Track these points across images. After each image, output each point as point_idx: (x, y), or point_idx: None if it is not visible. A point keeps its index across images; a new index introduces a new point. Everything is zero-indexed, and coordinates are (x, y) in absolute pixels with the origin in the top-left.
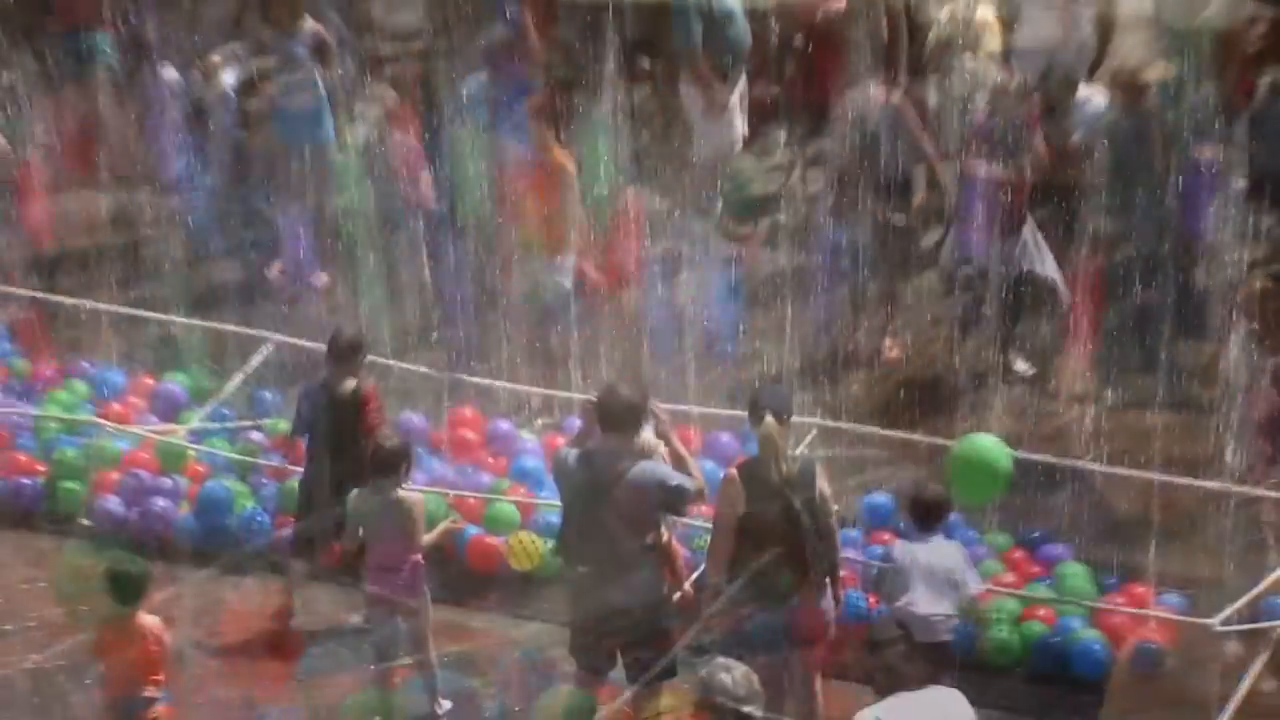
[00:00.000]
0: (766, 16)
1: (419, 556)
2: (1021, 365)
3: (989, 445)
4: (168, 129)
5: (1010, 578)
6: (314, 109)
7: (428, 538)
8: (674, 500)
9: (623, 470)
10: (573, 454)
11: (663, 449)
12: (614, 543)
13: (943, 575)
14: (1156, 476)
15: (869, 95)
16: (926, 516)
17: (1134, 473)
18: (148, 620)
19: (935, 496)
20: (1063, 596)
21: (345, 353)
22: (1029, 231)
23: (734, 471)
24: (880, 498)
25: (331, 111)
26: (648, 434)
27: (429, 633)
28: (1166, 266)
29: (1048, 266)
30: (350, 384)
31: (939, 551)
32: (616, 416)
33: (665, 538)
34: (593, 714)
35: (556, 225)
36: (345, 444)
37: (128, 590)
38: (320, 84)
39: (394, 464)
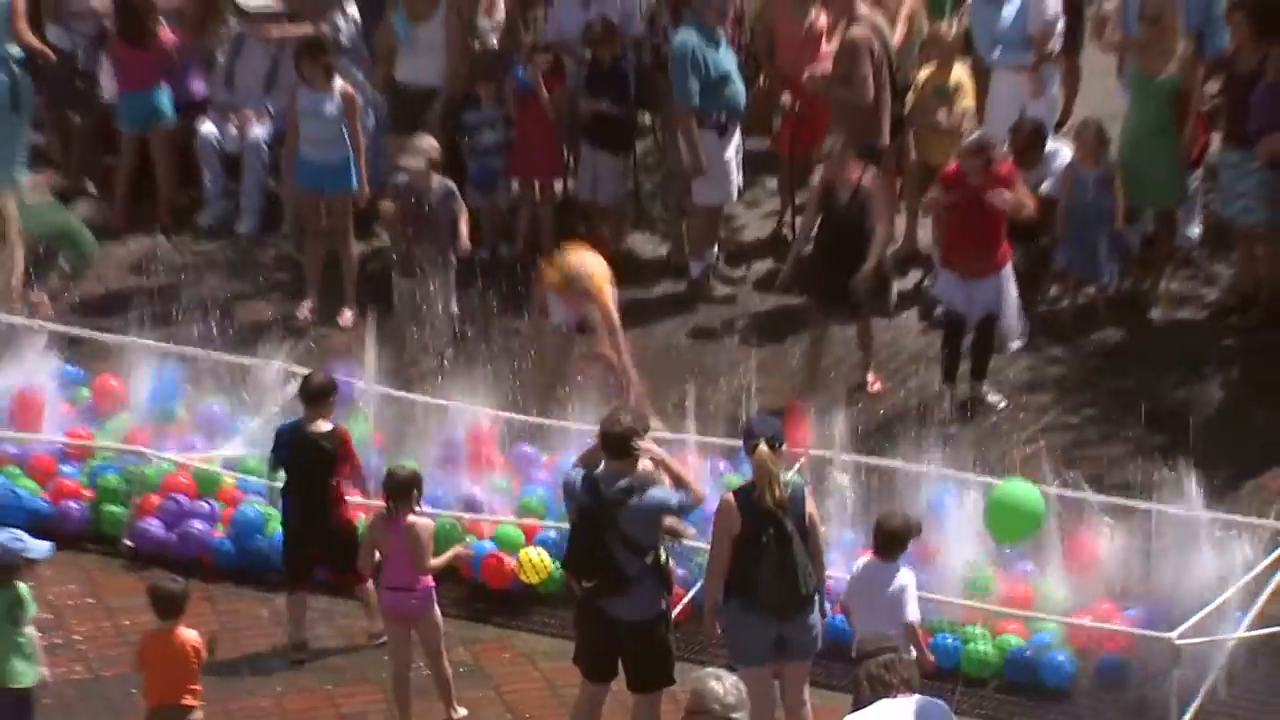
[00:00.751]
0: (760, 76)
1: (430, 577)
2: (993, 398)
3: (1024, 491)
4: (210, 178)
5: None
6: (341, 161)
7: (438, 561)
8: (679, 515)
9: (625, 498)
10: (579, 477)
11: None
12: (617, 560)
13: (886, 600)
14: (1119, 501)
15: (844, 172)
16: (887, 545)
17: (1098, 497)
18: (187, 634)
19: (896, 527)
20: (1036, 612)
21: (316, 395)
22: (1005, 275)
23: (730, 495)
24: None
25: (356, 163)
26: (647, 461)
27: (442, 646)
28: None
29: (1008, 308)
30: (323, 425)
31: (890, 577)
32: (617, 444)
33: (664, 558)
34: None
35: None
36: (319, 479)
37: (168, 606)
38: (347, 138)
39: (406, 490)
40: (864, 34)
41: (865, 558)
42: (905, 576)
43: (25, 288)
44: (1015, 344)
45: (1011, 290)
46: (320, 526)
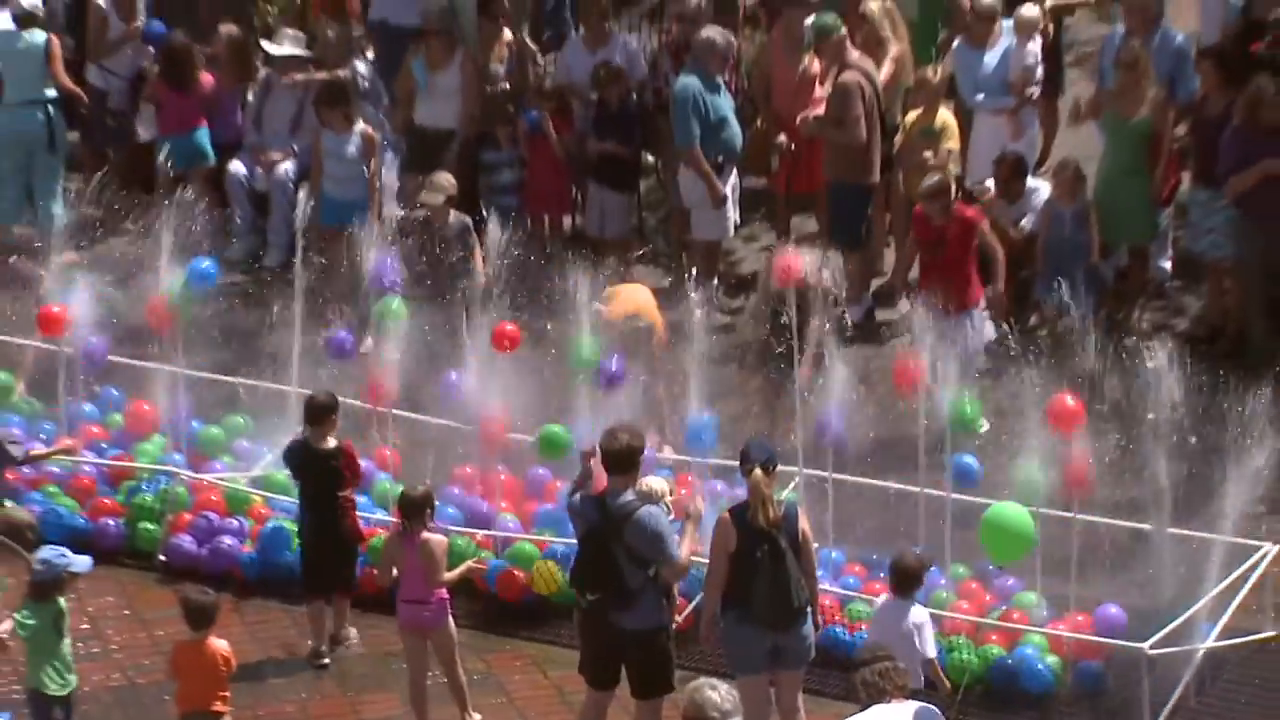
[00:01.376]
0: (757, 119)
1: (444, 590)
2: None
3: (1015, 513)
4: (239, 214)
5: (966, 605)
6: (360, 199)
7: (451, 575)
8: (656, 557)
9: (630, 511)
10: (583, 496)
11: (669, 496)
12: (622, 573)
13: (905, 636)
14: (1098, 519)
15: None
16: (902, 583)
17: (1076, 515)
18: (217, 644)
19: (910, 566)
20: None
21: (319, 414)
22: (978, 312)
23: (727, 514)
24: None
25: (371, 200)
26: (650, 479)
27: (456, 655)
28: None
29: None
30: (329, 442)
31: (905, 615)
32: (619, 460)
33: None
34: None
35: None
36: (326, 493)
37: (199, 617)
38: (363, 177)
39: (420, 508)
40: (855, 79)
41: (884, 596)
42: (919, 614)
43: None
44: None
45: (985, 330)
46: (331, 538)
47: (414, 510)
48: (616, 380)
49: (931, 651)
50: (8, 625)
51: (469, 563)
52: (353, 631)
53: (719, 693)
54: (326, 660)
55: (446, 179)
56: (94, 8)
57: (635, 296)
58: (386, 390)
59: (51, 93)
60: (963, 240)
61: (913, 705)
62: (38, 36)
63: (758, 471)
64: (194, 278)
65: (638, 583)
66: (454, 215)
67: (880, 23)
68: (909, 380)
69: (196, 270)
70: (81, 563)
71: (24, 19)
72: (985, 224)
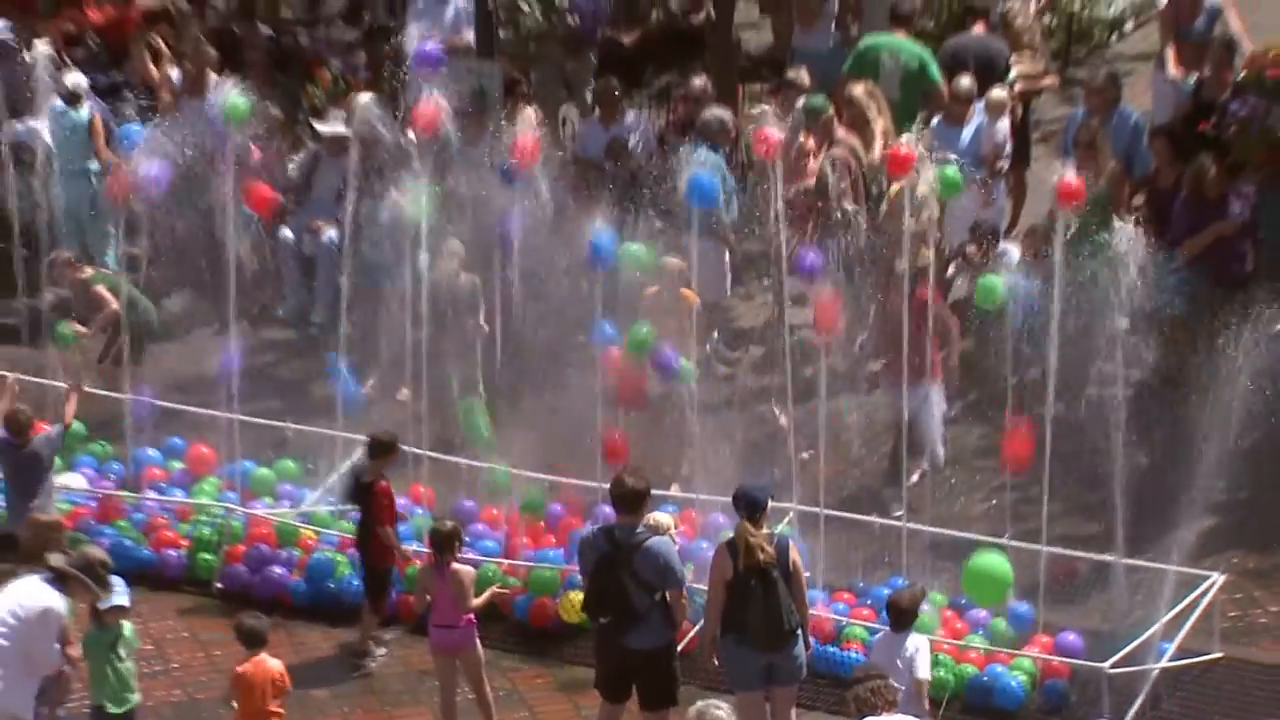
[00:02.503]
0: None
1: (471, 616)
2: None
3: (995, 561)
4: (288, 275)
5: (942, 632)
6: (393, 261)
7: (477, 601)
8: (664, 583)
9: (640, 541)
10: (595, 531)
11: (674, 529)
12: (630, 598)
13: (904, 665)
14: (1058, 550)
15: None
16: (898, 618)
17: (1039, 547)
18: (271, 663)
19: (905, 605)
20: (991, 645)
21: (373, 449)
22: (935, 389)
23: (724, 546)
24: None
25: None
26: (657, 514)
27: (484, 674)
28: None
29: (929, 421)
30: (375, 478)
31: (902, 646)
32: (627, 501)
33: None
34: None
35: None
36: (367, 525)
37: (253, 638)
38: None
39: (449, 542)
40: (842, 154)
41: (883, 631)
42: (915, 641)
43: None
44: (923, 466)
45: (937, 405)
46: (364, 564)
47: (444, 543)
48: (669, 367)
49: (925, 674)
50: (78, 649)
51: (493, 589)
52: (380, 650)
53: (723, 712)
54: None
55: (457, 245)
56: (165, 80)
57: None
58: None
59: (95, 165)
60: (919, 319)
61: (900, 718)
62: (83, 114)
63: (742, 524)
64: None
65: (645, 606)
66: (465, 275)
67: (865, 104)
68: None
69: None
70: (121, 594)
71: (71, 97)
72: (940, 301)
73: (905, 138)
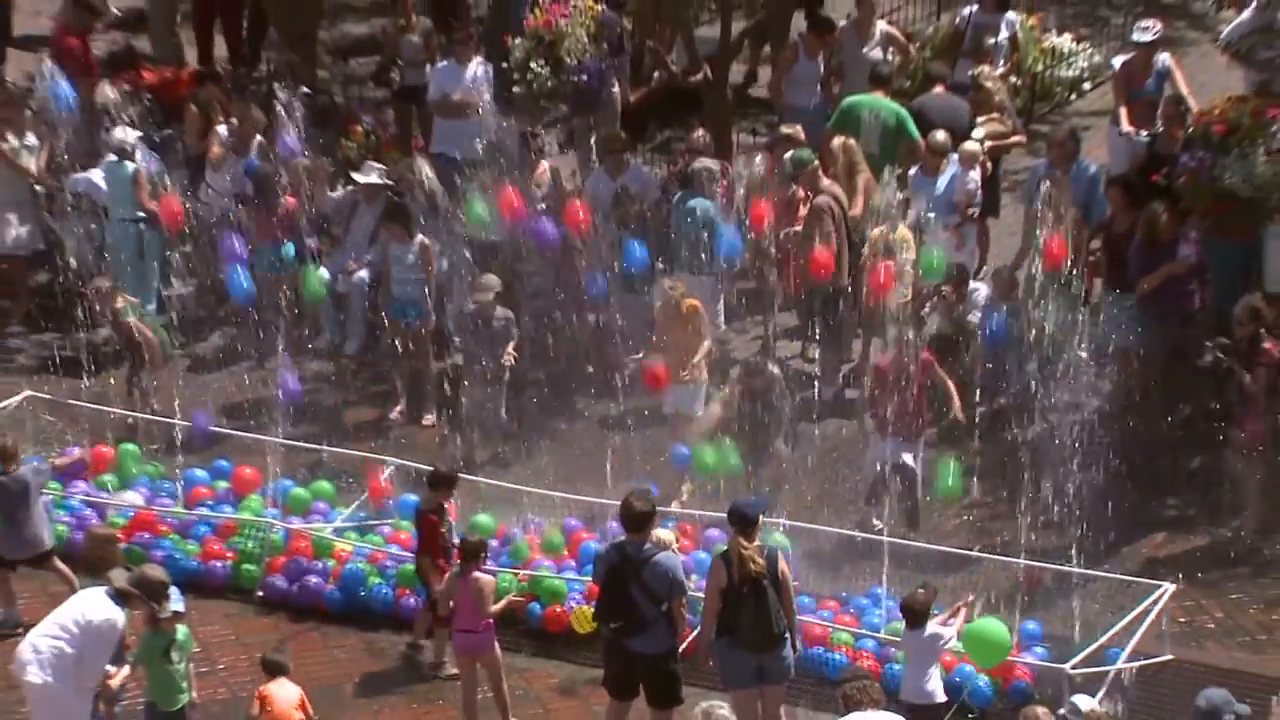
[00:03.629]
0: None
1: (490, 621)
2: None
3: (994, 627)
4: (323, 310)
5: None
6: (418, 298)
7: (496, 608)
8: (671, 594)
9: (647, 557)
10: (607, 547)
11: (675, 544)
12: (638, 608)
13: (928, 652)
14: (1023, 561)
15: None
16: (911, 617)
17: (1006, 559)
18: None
19: (917, 607)
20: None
21: (432, 481)
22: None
23: (719, 557)
24: None
25: (429, 298)
26: (659, 531)
27: (502, 674)
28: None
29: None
30: (426, 506)
31: (921, 639)
32: (634, 521)
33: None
34: None
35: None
36: (421, 546)
37: (274, 669)
38: (421, 280)
39: (474, 553)
40: (825, 201)
41: (904, 631)
42: (932, 629)
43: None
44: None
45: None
46: (422, 583)
47: (469, 555)
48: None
49: (950, 635)
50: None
51: (510, 597)
52: (429, 651)
53: (726, 711)
54: (439, 675)
55: (493, 279)
56: (216, 135)
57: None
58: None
59: (141, 213)
60: (918, 381)
61: (884, 714)
62: (129, 166)
63: (734, 538)
64: None
65: (652, 615)
66: (499, 309)
67: (839, 157)
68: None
69: None
70: (177, 601)
71: (120, 152)
72: (937, 363)
73: (885, 180)
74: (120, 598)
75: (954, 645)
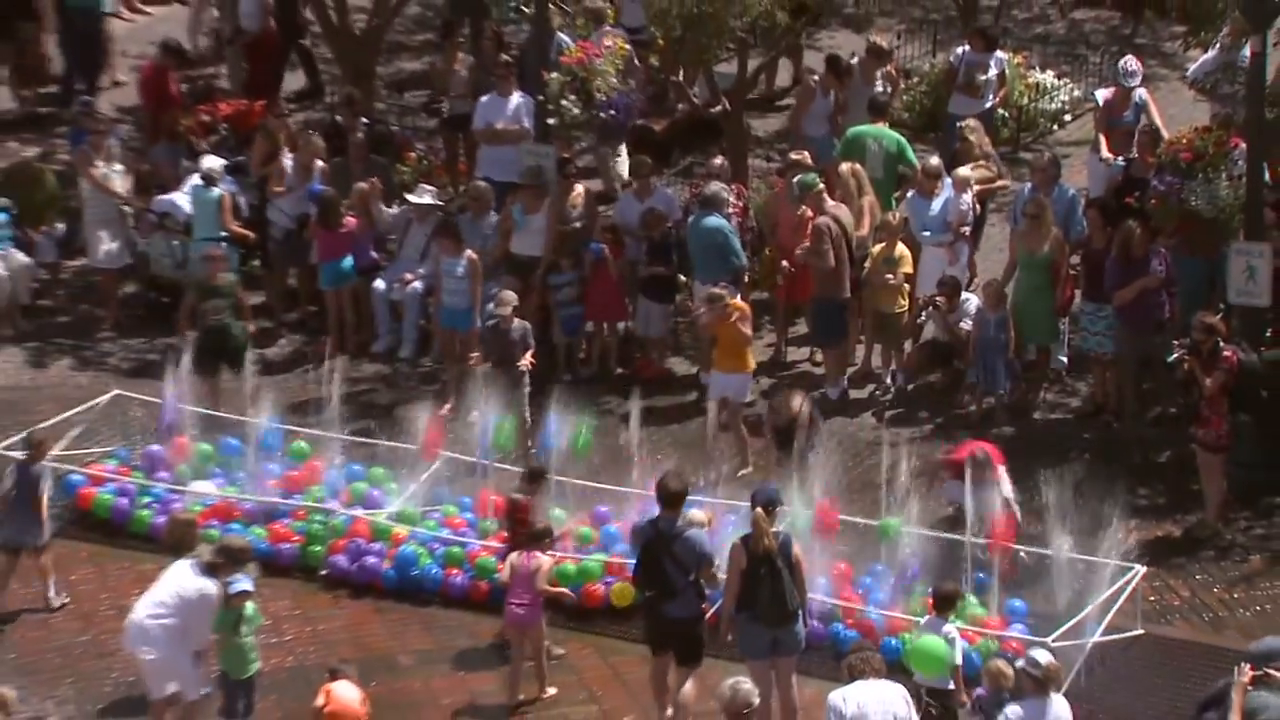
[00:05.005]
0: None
1: (539, 598)
2: None
3: (935, 642)
4: (380, 318)
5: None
6: (466, 307)
7: (548, 589)
8: (699, 566)
9: (679, 532)
10: (643, 522)
11: (707, 522)
12: (669, 576)
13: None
14: (1011, 546)
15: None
16: (941, 604)
17: (1000, 543)
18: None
19: (949, 592)
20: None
21: (526, 475)
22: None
23: (739, 541)
24: None
25: (474, 308)
26: (693, 511)
27: (544, 645)
28: (1017, 410)
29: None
30: (518, 496)
31: (939, 630)
32: (669, 498)
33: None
34: None
35: None
36: (512, 533)
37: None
38: (469, 291)
39: (537, 539)
40: (824, 221)
41: (927, 615)
42: (951, 631)
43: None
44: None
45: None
46: None
47: (532, 539)
48: None
49: (958, 660)
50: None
51: (562, 589)
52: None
53: (749, 685)
54: (558, 652)
55: (510, 295)
56: (279, 167)
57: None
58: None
59: (224, 233)
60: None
61: (886, 682)
62: (215, 192)
63: (759, 511)
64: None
65: (681, 584)
66: (517, 321)
67: (849, 181)
68: None
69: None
70: (246, 581)
71: (207, 178)
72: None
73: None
74: (210, 569)
75: (957, 662)
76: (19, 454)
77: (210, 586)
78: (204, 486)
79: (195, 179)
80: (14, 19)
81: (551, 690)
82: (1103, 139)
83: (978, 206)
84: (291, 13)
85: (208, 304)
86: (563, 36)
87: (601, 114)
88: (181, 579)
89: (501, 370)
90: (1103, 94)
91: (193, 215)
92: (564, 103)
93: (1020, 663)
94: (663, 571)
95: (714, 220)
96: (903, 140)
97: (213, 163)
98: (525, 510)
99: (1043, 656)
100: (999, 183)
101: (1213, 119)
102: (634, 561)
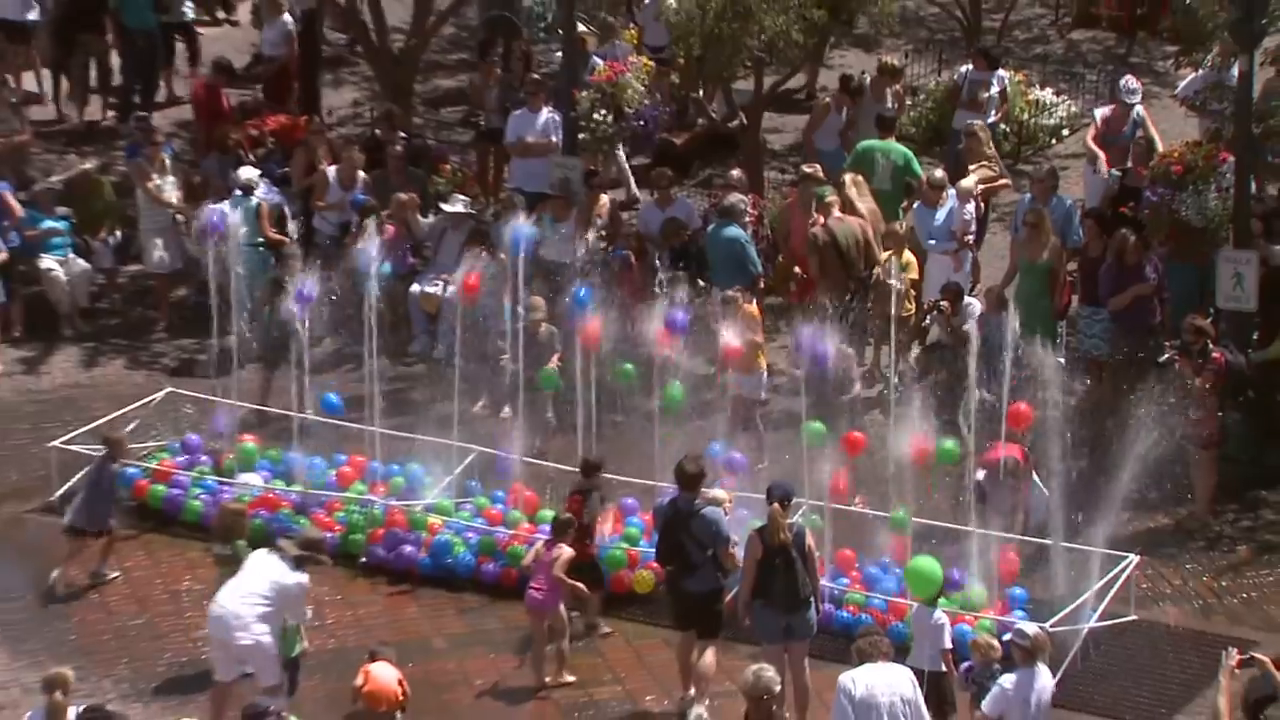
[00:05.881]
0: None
1: (559, 585)
2: None
3: (927, 562)
4: (416, 321)
5: None
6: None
7: (567, 581)
8: (715, 543)
9: (696, 511)
10: (664, 502)
11: (728, 502)
12: (688, 553)
13: (931, 633)
14: (1012, 536)
15: None
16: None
17: (990, 533)
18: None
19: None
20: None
21: (584, 469)
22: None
23: (755, 532)
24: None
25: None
26: (714, 490)
27: (567, 632)
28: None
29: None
30: (576, 489)
31: (929, 618)
32: (686, 480)
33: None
34: None
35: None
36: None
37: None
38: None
39: (562, 529)
40: (816, 231)
41: (916, 604)
42: (940, 617)
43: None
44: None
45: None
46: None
47: (559, 529)
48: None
49: (948, 644)
50: None
51: (579, 586)
52: (600, 623)
53: (772, 672)
54: (605, 630)
55: (539, 300)
56: (321, 177)
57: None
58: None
59: (261, 239)
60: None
61: (894, 665)
62: (252, 201)
63: (775, 506)
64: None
65: (699, 559)
66: (545, 326)
67: (850, 189)
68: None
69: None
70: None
71: (244, 188)
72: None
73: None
74: (298, 563)
75: (946, 645)
76: (79, 448)
77: (304, 579)
78: (251, 479)
79: (236, 190)
80: (79, 34)
81: (570, 677)
82: (1100, 153)
83: (982, 204)
84: (312, 40)
85: (270, 300)
86: (595, 58)
87: (631, 125)
88: (274, 572)
89: (531, 372)
90: (1101, 112)
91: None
92: (596, 117)
93: (1008, 635)
94: (681, 548)
95: (733, 230)
96: (909, 153)
97: (249, 173)
98: (575, 505)
99: (1029, 628)
100: (1001, 181)
101: (1203, 134)
102: (656, 539)
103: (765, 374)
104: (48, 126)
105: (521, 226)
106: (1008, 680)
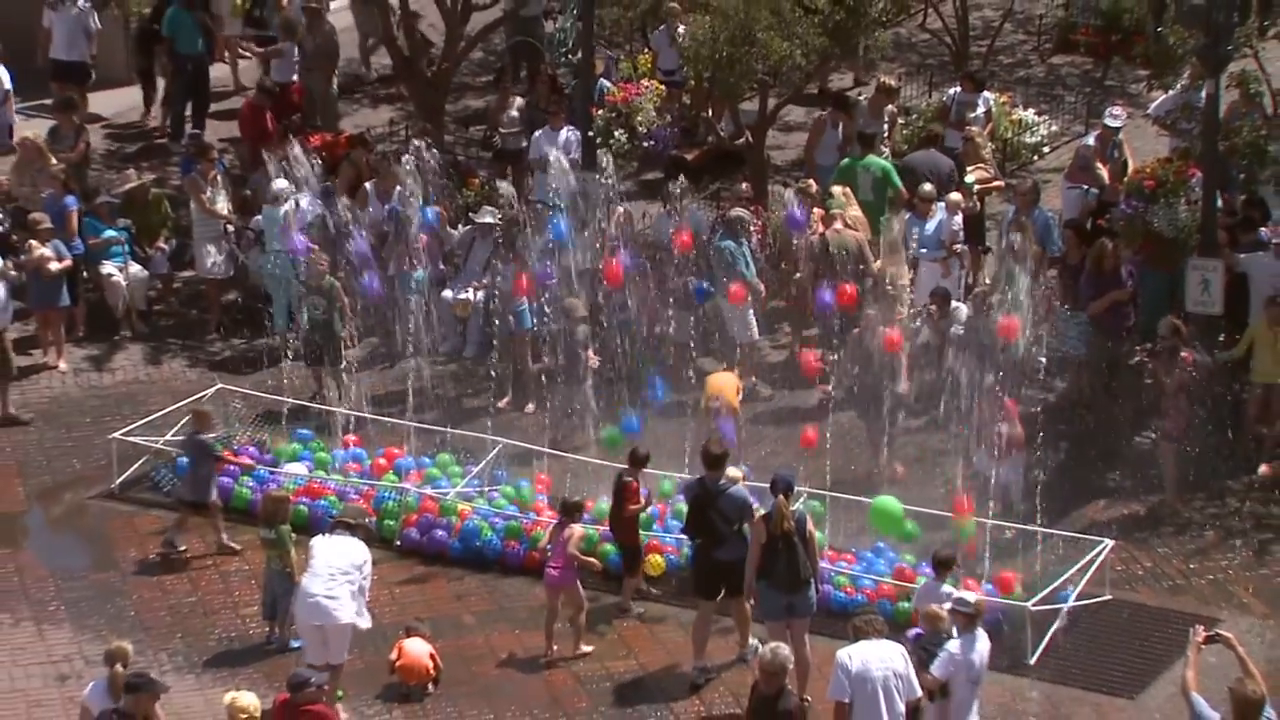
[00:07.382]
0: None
1: (574, 564)
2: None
3: (890, 502)
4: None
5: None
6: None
7: (580, 558)
8: (741, 518)
9: (722, 489)
10: (693, 480)
11: (743, 478)
12: (716, 526)
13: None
14: (998, 522)
15: None
16: (939, 568)
17: (981, 519)
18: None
19: (947, 557)
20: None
21: (631, 459)
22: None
23: (761, 519)
24: None
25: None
26: (732, 469)
27: (582, 607)
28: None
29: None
30: (627, 478)
31: (937, 591)
32: (711, 461)
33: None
34: None
35: None
36: (617, 512)
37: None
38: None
39: (572, 511)
40: (809, 237)
41: (924, 578)
42: (948, 590)
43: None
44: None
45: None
46: (617, 541)
47: (568, 510)
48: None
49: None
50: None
51: (592, 561)
52: (635, 608)
53: (787, 651)
54: (638, 611)
55: (576, 302)
56: (362, 192)
57: (720, 381)
58: None
59: (283, 245)
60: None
61: (887, 642)
62: (281, 211)
63: (779, 497)
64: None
65: (726, 532)
66: (582, 326)
67: (840, 199)
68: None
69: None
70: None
71: (274, 198)
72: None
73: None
74: (354, 533)
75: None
76: (137, 439)
77: (368, 553)
78: (296, 469)
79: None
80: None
81: (587, 648)
82: (1103, 169)
83: (977, 204)
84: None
85: (310, 301)
86: (604, 82)
87: (644, 144)
88: (353, 551)
89: (567, 367)
90: (1093, 137)
91: (265, 229)
92: (614, 136)
93: (949, 605)
94: (710, 523)
95: (726, 242)
96: (888, 166)
97: (280, 184)
98: (632, 491)
99: (970, 596)
100: (996, 183)
101: (1173, 151)
102: (685, 514)
103: (753, 315)
104: (133, 128)
105: (561, 224)
106: (954, 645)
